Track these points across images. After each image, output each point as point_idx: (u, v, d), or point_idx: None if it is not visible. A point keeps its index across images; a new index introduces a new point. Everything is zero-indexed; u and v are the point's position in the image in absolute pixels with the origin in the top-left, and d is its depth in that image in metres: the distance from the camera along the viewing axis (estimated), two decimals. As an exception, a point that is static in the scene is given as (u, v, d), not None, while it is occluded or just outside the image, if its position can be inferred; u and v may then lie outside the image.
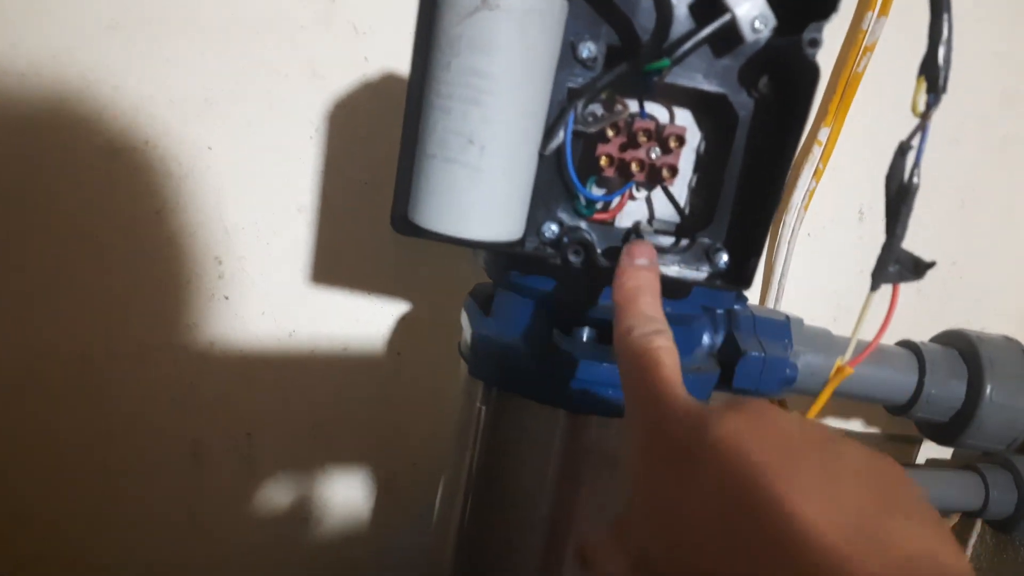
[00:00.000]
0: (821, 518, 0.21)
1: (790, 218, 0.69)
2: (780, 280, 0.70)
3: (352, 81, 0.59)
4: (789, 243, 0.69)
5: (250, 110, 0.58)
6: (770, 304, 0.70)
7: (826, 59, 0.67)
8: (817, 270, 0.72)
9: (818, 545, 0.21)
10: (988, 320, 0.77)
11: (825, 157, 0.67)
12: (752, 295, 0.72)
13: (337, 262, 0.62)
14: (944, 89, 0.31)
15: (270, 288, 0.62)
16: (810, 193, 0.68)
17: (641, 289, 0.32)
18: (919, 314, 0.75)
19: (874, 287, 0.34)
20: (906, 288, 0.77)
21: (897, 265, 0.33)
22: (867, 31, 0.65)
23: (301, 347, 0.64)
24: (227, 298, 0.61)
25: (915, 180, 0.32)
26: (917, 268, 0.33)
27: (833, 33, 0.66)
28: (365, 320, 0.64)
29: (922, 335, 0.65)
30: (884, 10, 0.65)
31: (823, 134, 0.67)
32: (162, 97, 0.57)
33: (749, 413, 0.25)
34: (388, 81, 0.59)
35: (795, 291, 0.70)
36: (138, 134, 0.57)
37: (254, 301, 0.62)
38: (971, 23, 0.69)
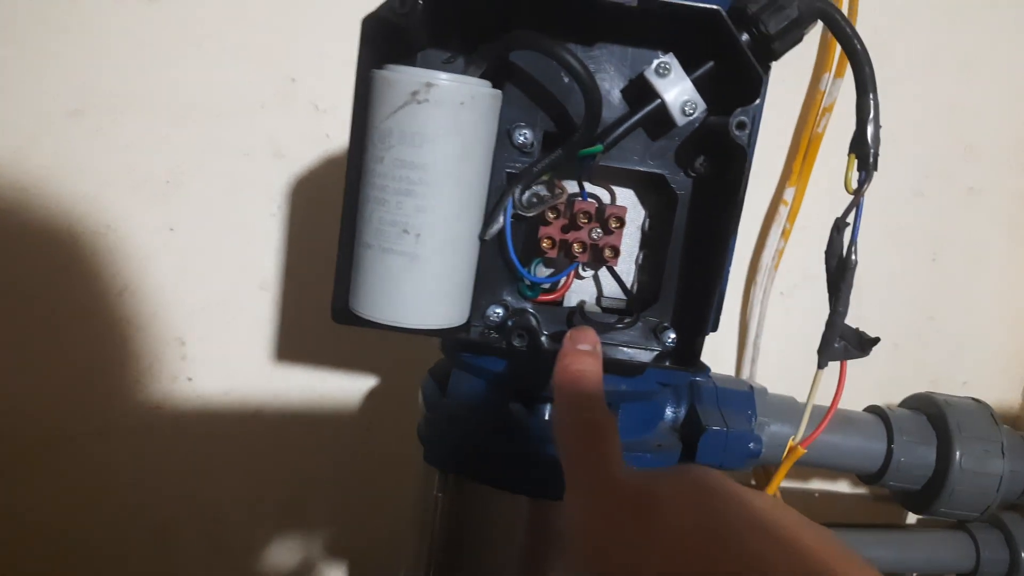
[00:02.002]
0: (785, 570, 0.22)
1: (760, 278, 0.68)
2: (755, 341, 0.69)
3: (314, 158, 0.59)
4: (761, 304, 0.69)
5: (212, 190, 0.58)
6: (746, 365, 0.70)
7: (787, 120, 0.68)
8: (792, 329, 0.71)
9: None
10: (968, 373, 0.76)
11: (792, 216, 0.68)
12: (728, 357, 0.71)
13: (302, 338, 0.62)
14: (875, 167, 0.31)
15: (234, 368, 0.61)
16: (779, 253, 0.68)
17: (583, 373, 0.32)
18: (898, 370, 0.74)
19: (821, 365, 0.34)
20: (883, 345, 0.76)
21: (842, 341, 0.33)
22: (825, 92, 0.66)
23: (268, 426, 0.63)
24: (191, 379, 0.61)
25: (853, 257, 0.32)
26: (862, 344, 0.33)
27: (792, 94, 0.67)
28: (332, 396, 0.63)
29: (901, 392, 0.64)
30: (840, 71, 0.66)
31: (788, 194, 0.67)
32: (123, 180, 0.57)
33: (693, 469, 0.27)
34: (350, 157, 0.60)
35: (771, 352, 0.70)
36: (100, 217, 0.58)
37: (218, 381, 0.61)
38: (929, 76, 0.70)
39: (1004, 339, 0.76)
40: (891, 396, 0.65)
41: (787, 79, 0.66)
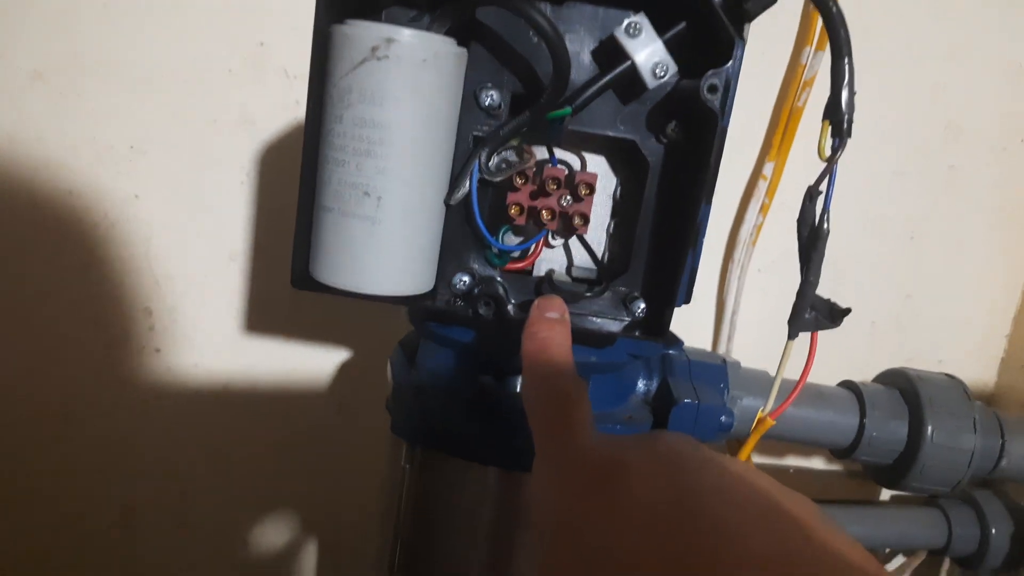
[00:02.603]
0: (750, 536, 0.21)
1: (738, 254, 0.68)
2: (732, 317, 0.69)
3: (283, 125, 0.58)
4: (739, 280, 0.68)
5: (178, 157, 0.57)
6: (722, 341, 0.69)
7: (767, 94, 0.67)
8: (769, 306, 0.71)
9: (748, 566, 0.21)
10: (945, 352, 0.76)
11: (771, 192, 0.67)
12: (704, 333, 0.71)
13: (272, 310, 0.61)
14: (849, 133, 0.31)
15: (203, 339, 0.60)
16: (757, 228, 0.68)
17: (549, 340, 0.32)
18: (875, 348, 0.74)
19: (791, 335, 0.33)
20: (860, 322, 0.76)
21: (813, 312, 0.32)
22: (806, 65, 0.65)
23: (237, 399, 0.62)
24: (159, 351, 0.60)
25: (825, 226, 0.31)
26: (833, 315, 0.32)
27: (773, 68, 0.66)
28: (303, 368, 0.62)
29: (878, 369, 0.64)
30: (821, 45, 0.65)
31: (768, 169, 0.67)
32: (87, 147, 0.56)
33: (662, 435, 0.26)
34: (321, 125, 0.58)
35: (748, 328, 0.69)
36: (61, 185, 0.56)
37: (187, 353, 0.60)
38: (911, 55, 0.69)
39: (981, 318, 0.76)
40: (868, 374, 0.65)
41: (768, 52, 0.65)
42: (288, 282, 0.60)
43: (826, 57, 0.65)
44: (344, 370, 0.64)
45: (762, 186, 0.67)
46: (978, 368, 0.77)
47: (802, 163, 0.67)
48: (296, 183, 0.60)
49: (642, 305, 0.36)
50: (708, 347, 0.71)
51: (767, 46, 0.65)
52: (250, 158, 0.58)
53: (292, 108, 0.58)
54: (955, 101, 0.72)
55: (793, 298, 0.72)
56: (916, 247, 0.74)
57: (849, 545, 0.22)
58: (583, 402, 0.29)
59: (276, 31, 0.57)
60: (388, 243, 0.32)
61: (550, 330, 0.32)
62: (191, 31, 0.56)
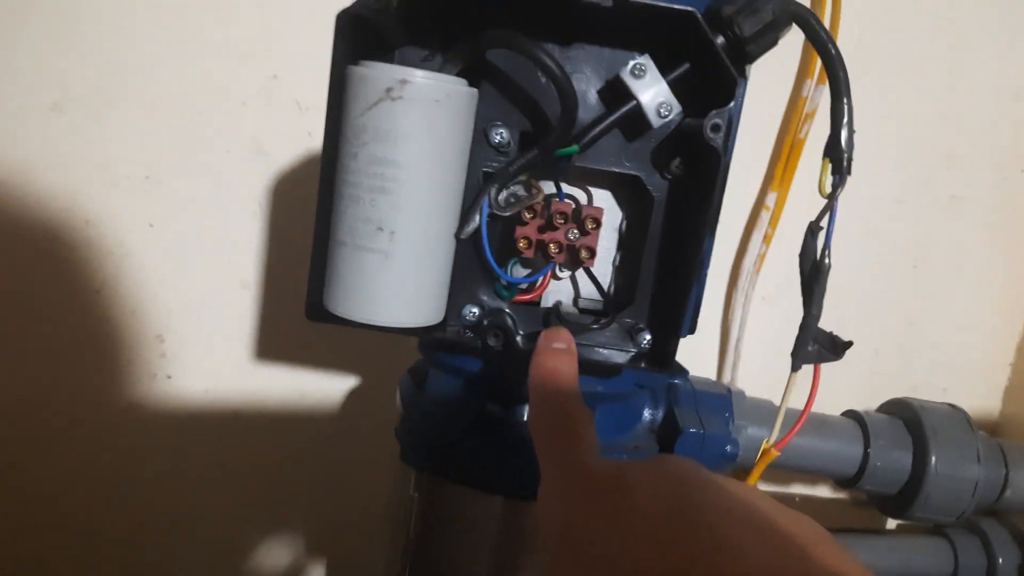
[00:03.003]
0: (751, 553, 0.21)
1: (742, 283, 0.69)
2: (736, 346, 0.69)
3: (296, 156, 0.59)
4: (743, 308, 0.69)
5: (192, 187, 0.58)
6: (727, 370, 0.70)
7: (769, 126, 0.68)
8: (773, 334, 0.71)
9: None
10: (949, 380, 0.76)
11: (774, 222, 0.68)
12: (709, 361, 0.71)
13: (282, 337, 0.61)
14: (849, 171, 0.32)
15: (214, 366, 0.61)
16: (761, 258, 0.68)
17: (557, 370, 0.32)
18: (878, 376, 0.74)
19: (794, 368, 0.34)
20: (863, 350, 0.77)
21: (816, 344, 0.33)
22: (807, 98, 0.66)
23: (246, 424, 0.62)
24: (170, 377, 0.60)
25: (827, 260, 0.32)
26: (835, 347, 0.33)
27: (775, 100, 0.68)
28: (312, 396, 0.63)
29: (881, 397, 0.65)
30: (822, 79, 0.66)
31: (770, 199, 0.68)
32: (103, 176, 0.57)
33: (666, 459, 0.26)
34: (332, 156, 0.60)
35: (752, 356, 0.70)
36: (79, 213, 0.57)
37: (198, 379, 0.61)
38: (912, 85, 0.71)
39: (984, 346, 0.77)
40: (871, 402, 0.65)
41: (769, 86, 0.66)
42: (299, 310, 0.61)
43: (827, 91, 0.66)
44: (351, 396, 0.64)
45: (765, 216, 0.68)
46: (982, 396, 0.77)
47: (804, 194, 0.68)
48: (308, 214, 0.61)
49: (648, 336, 0.37)
50: (712, 375, 0.72)
51: (769, 80, 0.66)
52: (263, 188, 0.59)
53: (304, 139, 0.59)
54: (956, 131, 0.73)
55: (796, 326, 0.72)
56: (918, 275, 0.74)
57: (850, 565, 0.22)
58: (588, 427, 0.30)
59: (289, 64, 0.58)
60: (401, 276, 0.33)
61: (556, 360, 0.33)
62: (206, 63, 0.57)
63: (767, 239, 0.68)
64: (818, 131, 0.66)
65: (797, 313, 0.75)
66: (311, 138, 0.59)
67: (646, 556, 0.22)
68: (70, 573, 0.62)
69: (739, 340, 0.69)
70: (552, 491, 0.28)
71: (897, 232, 0.73)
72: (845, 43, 0.38)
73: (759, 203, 0.69)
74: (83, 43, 0.55)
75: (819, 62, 0.66)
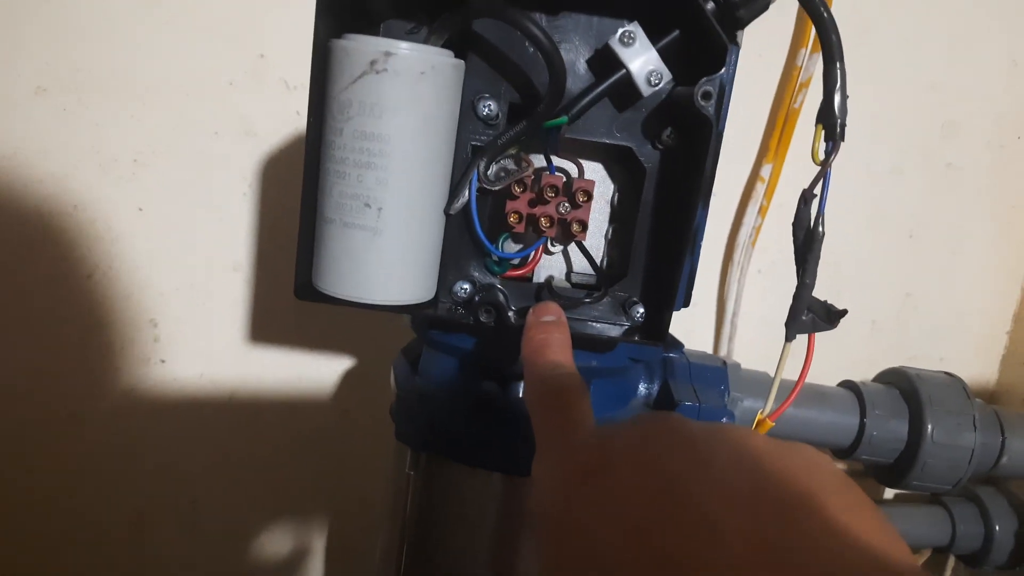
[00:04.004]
0: (733, 529, 0.20)
1: (738, 256, 0.68)
2: (732, 319, 0.69)
3: (285, 136, 0.58)
4: (739, 282, 0.69)
5: (181, 170, 0.57)
6: (723, 343, 0.70)
7: (764, 96, 0.68)
8: (769, 307, 0.71)
9: (727, 564, 0.19)
10: (945, 350, 0.76)
11: (769, 193, 0.67)
12: (705, 335, 0.71)
13: (276, 319, 0.61)
14: (842, 136, 0.31)
15: (208, 349, 0.60)
16: (756, 230, 0.68)
17: (548, 342, 0.32)
18: (874, 348, 0.74)
19: (789, 337, 0.33)
20: (859, 321, 0.76)
21: (810, 314, 0.33)
22: (801, 67, 0.65)
23: (243, 408, 0.62)
24: (164, 361, 0.60)
25: (820, 228, 0.32)
26: (830, 316, 0.32)
27: (769, 70, 0.67)
28: (307, 377, 0.63)
29: (879, 368, 0.65)
30: (816, 47, 0.65)
31: (765, 171, 0.67)
32: (90, 160, 0.56)
33: (652, 418, 0.25)
34: (322, 136, 0.59)
35: (748, 329, 0.70)
36: (67, 198, 0.57)
37: (192, 363, 0.61)
38: (909, 54, 0.70)
39: (981, 316, 0.77)
40: (868, 373, 0.65)
41: (763, 54, 0.66)
42: (291, 292, 0.61)
43: (821, 59, 0.66)
44: (347, 377, 0.64)
45: (760, 188, 0.67)
46: (979, 365, 0.77)
47: (800, 165, 0.67)
48: (298, 193, 0.60)
49: (641, 310, 0.36)
50: (709, 349, 0.72)
51: (762, 48, 0.65)
52: (252, 169, 0.58)
53: (293, 119, 0.58)
54: (953, 99, 0.72)
55: (791, 298, 0.72)
56: (915, 245, 0.74)
57: (865, 529, 0.20)
58: (582, 399, 0.29)
59: (276, 43, 0.57)
60: (389, 253, 0.32)
61: (547, 332, 0.32)
62: (192, 44, 0.56)
63: (762, 211, 0.68)
64: (813, 101, 0.66)
65: (793, 286, 0.75)
66: (299, 117, 0.59)
67: (629, 545, 0.21)
68: (66, 559, 0.63)
69: (735, 314, 0.69)
70: (542, 471, 0.28)
71: (894, 202, 0.73)
72: (842, 10, 0.38)
73: (754, 175, 0.68)
74: (68, 26, 0.54)
75: (813, 30, 0.65)
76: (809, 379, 0.37)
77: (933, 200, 0.73)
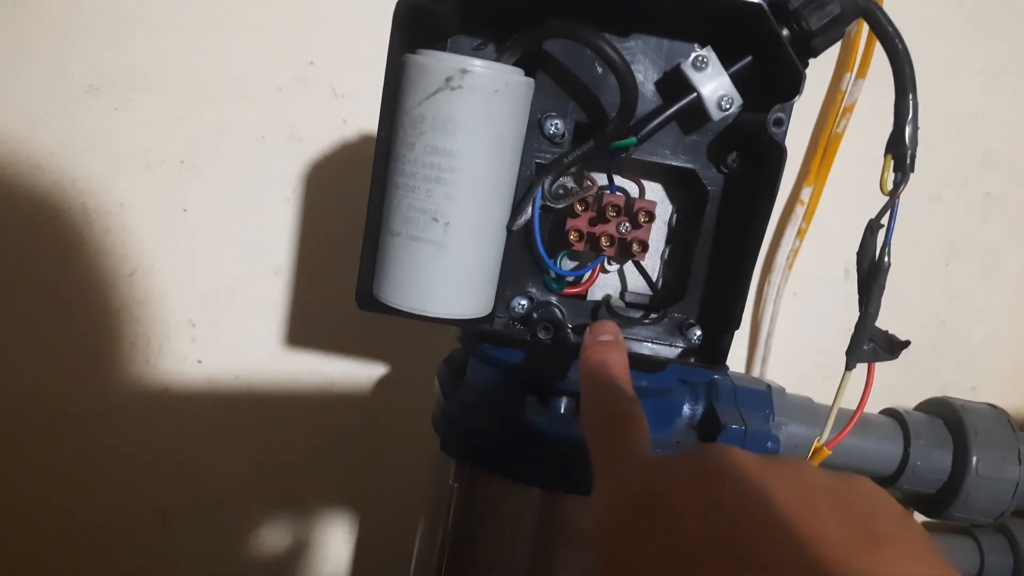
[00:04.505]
0: (802, 554, 0.20)
1: (774, 277, 0.68)
2: (767, 340, 0.69)
3: (330, 143, 0.59)
4: (774, 303, 0.68)
5: (226, 172, 0.58)
6: (756, 366, 0.69)
7: (806, 119, 0.67)
8: (804, 330, 0.71)
9: None
10: (978, 379, 0.75)
11: (808, 216, 0.67)
12: (738, 356, 0.71)
13: (313, 324, 0.61)
14: (912, 168, 0.31)
15: (244, 351, 0.61)
16: (794, 252, 0.68)
17: (605, 362, 0.31)
18: (908, 375, 0.74)
19: (849, 366, 0.33)
20: (893, 348, 0.75)
21: (871, 343, 0.32)
22: (846, 92, 0.65)
23: (276, 411, 0.62)
24: (200, 362, 0.60)
25: (886, 259, 0.32)
26: (892, 347, 0.32)
27: (812, 94, 0.67)
28: (341, 384, 0.63)
29: (911, 397, 0.64)
30: (862, 72, 0.65)
31: (805, 193, 0.67)
32: (138, 160, 0.57)
33: (710, 452, 0.25)
34: (367, 143, 0.59)
35: (782, 351, 0.69)
36: (113, 196, 0.57)
37: (228, 365, 0.61)
38: (949, 82, 0.70)
39: (1015, 346, 0.76)
40: (900, 399, 0.65)
41: (808, 79, 0.65)
42: (330, 297, 0.61)
43: (867, 85, 0.65)
44: (378, 384, 0.64)
45: (799, 211, 0.67)
46: (1012, 395, 0.77)
47: (839, 189, 0.67)
48: (341, 201, 0.61)
49: (698, 332, 0.36)
50: (742, 370, 0.71)
51: (807, 73, 0.65)
52: (297, 175, 0.59)
53: (339, 126, 0.59)
54: (992, 128, 0.72)
55: (829, 322, 0.72)
56: (951, 272, 0.74)
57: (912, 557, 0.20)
58: (640, 420, 0.29)
59: (325, 50, 0.58)
60: (454, 267, 0.33)
61: (605, 353, 0.32)
62: (242, 49, 0.57)
63: (801, 234, 0.67)
64: (856, 126, 0.66)
65: (828, 310, 0.75)
66: (346, 125, 0.59)
67: None
68: (96, 554, 0.63)
69: (769, 335, 0.69)
70: (596, 500, 0.27)
71: (931, 230, 0.72)
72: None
73: (793, 197, 0.68)
74: (119, 26, 0.55)
75: (859, 56, 0.65)
76: (840, 405, 0.37)
77: (970, 228, 0.73)
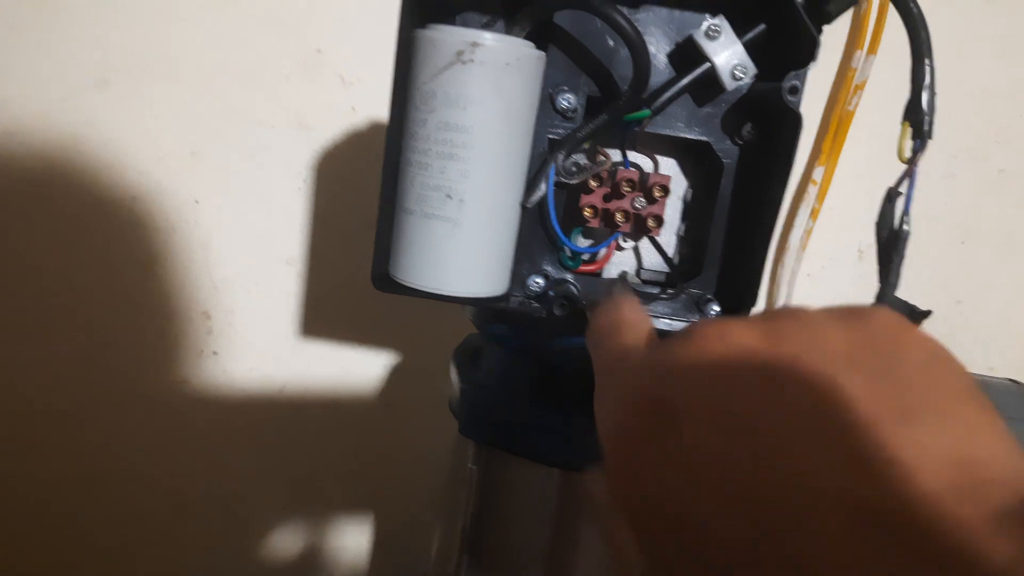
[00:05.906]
0: (830, 488, 0.16)
1: (788, 259, 0.67)
2: (780, 321, 0.68)
3: (340, 131, 0.59)
4: (788, 284, 0.68)
5: (237, 162, 0.58)
6: (770, 346, 0.69)
7: (817, 98, 0.66)
8: (817, 310, 0.70)
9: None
10: (994, 358, 0.75)
11: (821, 196, 0.66)
12: (752, 337, 0.70)
13: (326, 313, 0.61)
14: (930, 134, 0.31)
15: (259, 342, 0.61)
16: (807, 233, 0.67)
17: (619, 302, 0.29)
18: (924, 353, 0.73)
19: (870, 337, 0.33)
20: (909, 327, 0.74)
21: (893, 314, 0.32)
22: (857, 69, 0.64)
23: (290, 403, 0.62)
24: (216, 353, 0.60)
25: (906, 227, 0.31)
26: (913, 317, 0.32)
27: (823, 71, 0.66)
28: (355, 372, 0.63)
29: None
30: (873, 48, 0.64)
31: (818, 173, 0.66)
32: (149, 152, 0.57)
33: (709, 335, 0.21)
34: (376, 131, 0.59)
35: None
36: (125, 189, 0.57)
37: (243, 356, 0.61)
38: (962, 58, 0.69)
39: (1032, 324, 0.75)
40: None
41: (817, 56, 0.65)
42: (344, 286, 0.61)
43: (877, 61, 0.65)
44: (396, 373, 0.64)
45: (812, 191, 0.66)
46: (1030, 374, 0.76)
47: (852, 169, 0.67)
48: (352, 189, 0.61)
49: (716, 307, 0.36)
50: (756, 352, 0.71)
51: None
52: (307, 163, 0.59)
53: (348, 114, 0.59)
54: (1005, 104, 0.71)
55: (842, 302, 0.71)
56: (966, 252, 0.73)
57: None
58: (640, 325, 0.26)
59: (332, 38, 0.58)
60: (469, 245, 0.32)
61: (620, 301, 0.30)
62: (251, 38, 0.57)
63: (814, 214, 0.67)
64: (868, 104, 0.65)
65: (843, 290, 0.74)
66: (355, 113, 0.59)
67: (708, 503, 0.19)
68: (111, 546, 0.63)
69: (783, 317, 0.68)
70: (599, 412, 0.25)
71: (945, 208, 0.72)
72: (893, 13, 0.37)
73: (806, 178, 0.67)
74: (129, 17, 0.55)
75: (869, 31, 0.64)
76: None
77: (985, 206, 0.72)
